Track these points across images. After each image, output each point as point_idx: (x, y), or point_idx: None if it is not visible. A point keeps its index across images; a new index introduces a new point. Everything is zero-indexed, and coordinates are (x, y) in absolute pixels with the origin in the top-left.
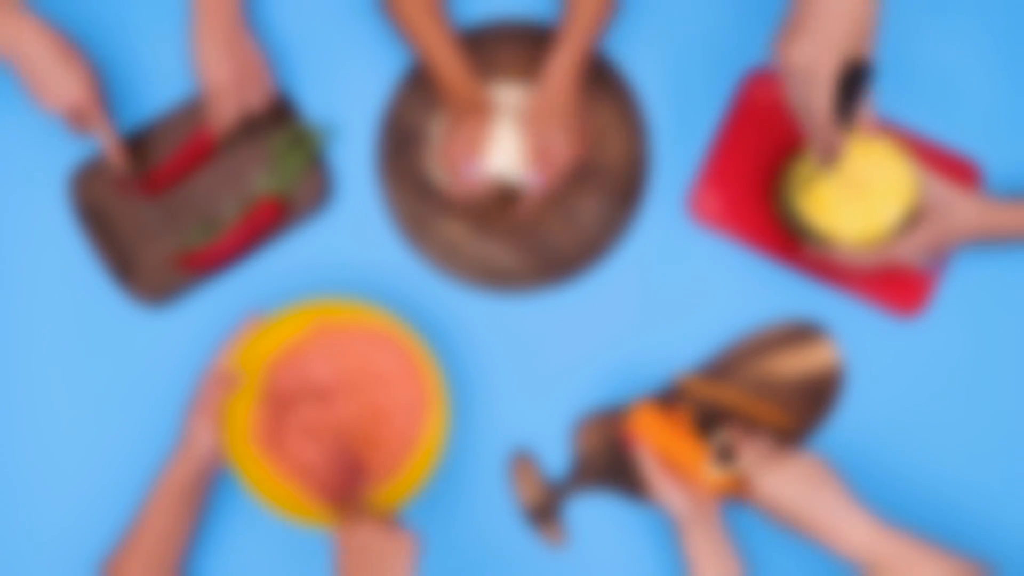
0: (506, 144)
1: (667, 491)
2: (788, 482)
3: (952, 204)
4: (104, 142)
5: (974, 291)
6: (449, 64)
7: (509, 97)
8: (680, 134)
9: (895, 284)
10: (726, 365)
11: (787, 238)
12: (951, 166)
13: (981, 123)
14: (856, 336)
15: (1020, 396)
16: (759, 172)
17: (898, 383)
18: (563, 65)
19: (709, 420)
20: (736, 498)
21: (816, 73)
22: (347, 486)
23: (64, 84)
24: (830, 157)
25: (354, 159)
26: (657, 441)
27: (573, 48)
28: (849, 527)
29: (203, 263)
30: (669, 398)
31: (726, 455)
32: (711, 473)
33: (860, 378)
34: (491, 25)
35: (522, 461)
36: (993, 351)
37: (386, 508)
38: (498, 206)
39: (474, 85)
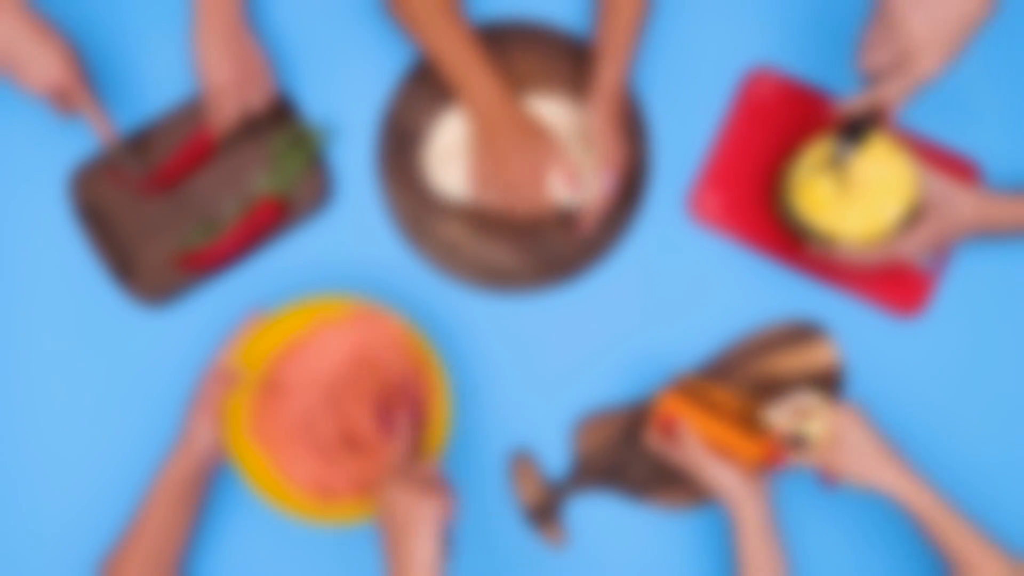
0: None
1: (719, 468)
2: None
3: (952, 199)
4: (92, 120)
5: (974, 291)
6: (478, 78)
7: (542, 111)
8: (680, 134)
9: (896, 284)
10: (726, 365)
11: (787, 238)
12: (951, 165)
13: (981, 122)
14: (856, 336)
15: (1020, 395)
16: (759, 172)
17: (898, 383)
18: (615, 72)
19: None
20: (774, 467)
21: None
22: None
23: (45, 64)
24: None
25: (354, 159)
26: (696, 423)
27: (620, 57)
28: (880, 472)
29: (203, 263)
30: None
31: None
32: (779, 423)
33: (860, 378)
34: (505, 30)
35: (522, 461)
36: (993, 351)
37: (430, 459)
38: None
39: (510, 100)
